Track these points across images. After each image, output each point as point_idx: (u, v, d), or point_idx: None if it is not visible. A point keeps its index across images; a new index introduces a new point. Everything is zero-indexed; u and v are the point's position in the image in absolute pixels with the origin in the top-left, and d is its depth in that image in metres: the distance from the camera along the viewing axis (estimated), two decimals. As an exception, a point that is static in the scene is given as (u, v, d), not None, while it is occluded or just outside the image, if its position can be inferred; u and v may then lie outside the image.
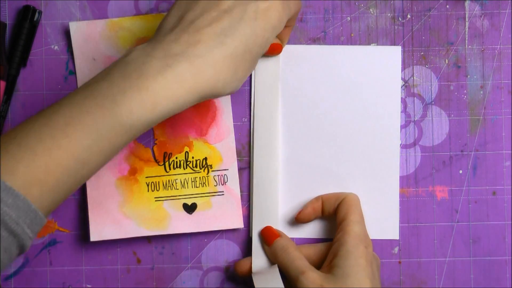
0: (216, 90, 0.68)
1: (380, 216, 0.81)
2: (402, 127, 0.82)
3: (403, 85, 0.82)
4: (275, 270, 0.77)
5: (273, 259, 0.79)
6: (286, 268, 0.76)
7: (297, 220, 0.80)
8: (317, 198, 0.80)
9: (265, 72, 0.81)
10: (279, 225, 0.81)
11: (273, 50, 0.80)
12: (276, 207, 0.81)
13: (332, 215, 0.80)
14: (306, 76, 0.81)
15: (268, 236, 0.80)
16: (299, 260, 0.76)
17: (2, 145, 0.64)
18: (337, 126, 0.81)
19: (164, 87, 0.65)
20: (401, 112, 0.82)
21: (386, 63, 0.81)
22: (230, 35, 0.68)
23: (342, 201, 0.79)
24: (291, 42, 0.82)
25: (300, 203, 0.81)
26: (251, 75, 0.82)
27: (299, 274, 0.75)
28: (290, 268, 0.76)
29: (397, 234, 0.81)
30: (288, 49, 0.81)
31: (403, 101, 0.82)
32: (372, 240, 0.82)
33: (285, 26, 0.75)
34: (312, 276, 0.74)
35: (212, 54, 0.67)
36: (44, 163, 0.63)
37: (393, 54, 0.81)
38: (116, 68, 0.66)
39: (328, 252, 0.78)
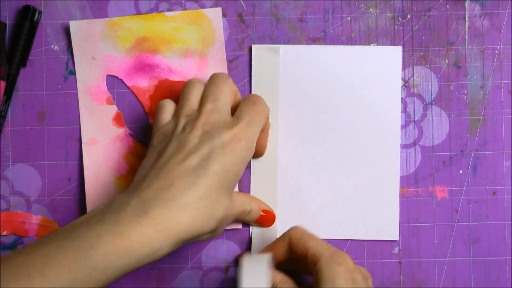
0: (194, 231, 0.68)
1: (380, 217, 0.81)
2: (402, 127, 0.82)
3: (403, 85, 0.82)
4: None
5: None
6: None
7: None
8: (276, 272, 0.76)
9: (265, 73, 0.81)
10: (278, 225, 0.81)
11: (263, 222, 0.80)
12: (275, 207, 0.81)
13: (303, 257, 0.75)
14: (306, 76, 0.81)
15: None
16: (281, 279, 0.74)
17: None
18: (337, 126, 0.81)
19: (139, 232, 0.66)
20: (401, 112, 0.82)
21: (386, 63, 0.81)
22: (201, 175, 0.69)
23: (290, 240, 0.75)
24: (291, 42, 0.82)
25: (299, 203, 0.81)
26: (250, 76, 0.81)
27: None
28: None
29: (397, 234, 0.81)
30: (288, 49, 0.81)
31: (403, 101, 0.82)
32: (372, 240, 0.82)
33: (261, 131, 0.76)
34: None
35: (186, 196, 0.68)
36: None
37: (393, 54, 0.81)
38: (96, 213, 0.68)
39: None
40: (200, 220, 0.68)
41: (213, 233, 0.72)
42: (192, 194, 0.68)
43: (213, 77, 0.75)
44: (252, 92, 0.81)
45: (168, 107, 0.76)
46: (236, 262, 0.81)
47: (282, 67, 0.81)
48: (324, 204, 0.81)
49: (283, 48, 0.81)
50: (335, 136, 0.81)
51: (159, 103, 0.76)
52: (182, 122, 0.73)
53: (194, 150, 0.70)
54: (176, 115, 0.75)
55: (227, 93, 0.74)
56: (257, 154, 0.80)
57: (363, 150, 0.81)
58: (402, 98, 0.82)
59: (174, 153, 0.71)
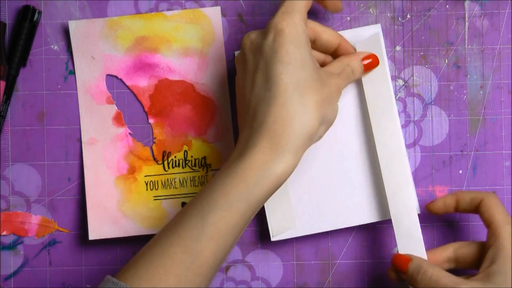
0: (302, 134, 0.70)
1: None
2: (402, 127, 0.82)
3: (403, 85, 0.82)
4: None
5: (413, 283, 0.75)
6: None
7: (427, 208, 0.78)
8: (451, 194, 0.78)
9: None
10: (297, 222, 0.80)
11: (371, 67, 0.80)
12: (290, 207, 0.80)
13: (468, 213, 0.78)
14: None
15: (400, 265, 0.76)
16: (445, 278, 0.73)
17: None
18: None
19: (251, 161, 0.69)
20: (401, 112, 0.82)
21: (368, 44, 0.80)
22: (271, 87, 0.70)
23: (482, 202, 0.76)
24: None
25: (310, 199, 0.80)
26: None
27: None
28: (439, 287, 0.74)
29: (418, 228, 0.79)
30: None
31: (403, 101, 0.82)
32: (372, 241, 0.82)
33: None
34: None
35: (272, 113, 0.70)
36: (162, 261, 0.68)
37: (374, 34, 0.80)
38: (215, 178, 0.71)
39: (481, 251, 0.76)
40: (298, 123, 0.69)
41: (327, 121, 0.73)
42: (274, 109, 0.70)
43: None
44: None
45: None
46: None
47: None
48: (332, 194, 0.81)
49: None
50: (335, 132, 0.81)
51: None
52: None
53: (255, 69, 0.72)
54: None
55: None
56: (335, 7, 0.78)
57: (361, 136, 0.81)
58: (401, 98, 0.82)
59: (246, 83, 0.72)
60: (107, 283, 0.67)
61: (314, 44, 0.76)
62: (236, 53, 0.81)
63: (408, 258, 0.76)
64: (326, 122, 0.73)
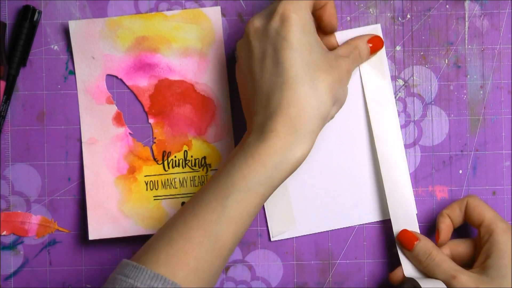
0: (316, 117, 0.71)
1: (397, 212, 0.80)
2: (402, 127, 0.82)
3: (403, 85, 0.82)
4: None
5: (416, 263, 0.77)
6: (433, 272, 0.75)
7: (439, 244, 0.79)
8: (443, 216, 0.78)
9: None
10: (296, 222, 0.81)
11: (375, 49, 0.80)
12: (290, 207, 0.80)
13: (461, 223, 0.79)
14: None
15: (407, 241, 0.78)
16: (446, 263, 0.75)
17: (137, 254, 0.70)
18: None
19: (270, 145, 0.70)
20: (401, 112, 0.82)
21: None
22: (281, 72, 0.71)
23: (468, 204, 0.77)
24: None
25: (310, 199, 0.80)
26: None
27: (450, 278, 0.74)
28: (438, 272, 0.75)
29: (417, 227, 0.80)
30: None
31: (403, 101, 0.82)
32: (372, 241, 0.82)
33: (321, 7, 0.76)
34: (464, 280, 0.73)
35: (284, 98, 0.70)
36: (181, 245, 0.68)
37: (374, 33, 0.81)
38: (229, 158, 0.73)
39: (476, 248, 0.78)
40: (310, 106, 0.70)
41: (339, 102, 0.74)
42: (287, 94, 0.70)
43: None
44: None
45: None
46: (392, 279, 0.79)
47: None
48: (332, 196, 0.81)
49: None
50: (337, 129, 0.81)
51: None
52: None
53: (262, 56, 0.72)
54: None
55: None
56: (328, 28, 0.78)
57: (360, 136, 0.81)
58: (401, 98, 0.82)
59: (256, 71, 0.73)
60: (126, 267, 0.67)
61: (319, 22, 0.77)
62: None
63: (416, 237, 0.77)
64: (338, 102, 0.74)
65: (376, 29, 0.81)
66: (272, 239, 0.80)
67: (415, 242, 0.77)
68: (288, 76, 0.70)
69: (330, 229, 0.81)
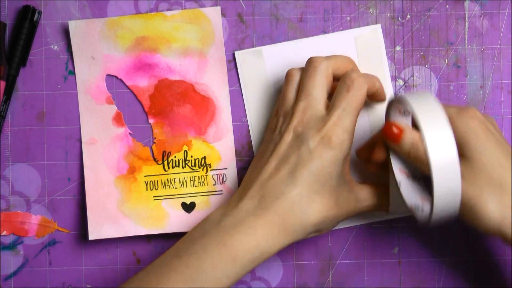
0: (288, 237, 0.71)
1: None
2: (401, 127, 0.82)
3: (403, 85, 0.82)
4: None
5: (399, 151, 0.73)
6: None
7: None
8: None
9: (253, 77, 0.81)
10: None
11: (393, 138, 0.74)
12: None
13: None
14: None
15: (393, 134, 0.72)
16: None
17: None
18: None
19: (239, 241, 0.70)
20: (401, 112, 0.82)
21: (368, 44, 0.81)
22: (289, 183, 0.71)
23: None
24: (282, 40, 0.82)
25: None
26: (240, 82, 0.81)
27: None
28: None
29: None
30: (271, 49, 0.81)
31: (403, 101, 0.82)
32: (372, 241, 0.82)
33: (374, 98, 0.77)
34: None
35: (275, 205, 0.71)
36: None
37: (373, 34, 0.81)
38: (197, 229, 0.72)
39: None
40: (291, 226, 0.71)
41: (319, 232, 0.74)
42: (280, 203, 0.71)
43: (308, 64, 0.76)
44: (244, 97, 0.81)
45: (295, 78, 0.77)
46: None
47: (267, 67, 0.81)
48: None
49: (265, 50, 0.81)
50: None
51: (288, 72, 0.77)
52: (280, 121, 0.75)
53: (284, 159, 0.72)
54: (276, 112, 0.77)
55: (319, 85, 0.74)
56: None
57: (361, 138, 0.81)
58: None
59: (270, 164, 0.73)
60: None
61: None
62: (239, 54, 0.81)
63: (402, 129, 0.72)
64: (318, 232, 0.74)
65: (376, 29, 0.81)
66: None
67: (402, 136, 0.72)
68: (289, 191, 0.71)
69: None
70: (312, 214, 0.71)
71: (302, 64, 0.78)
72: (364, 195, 0.75)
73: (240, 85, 0.82)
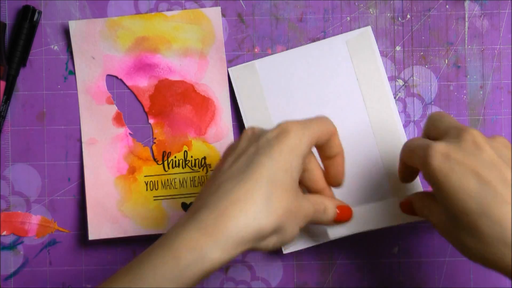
0: (248, 228, 0.65)
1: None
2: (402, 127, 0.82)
3: (403, 85, 0.82)
4: None
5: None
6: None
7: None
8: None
9: (248, 91, 0.81)
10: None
11: (341, 219, 0.75)
12: None
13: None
14: (289, 83, 0.81)
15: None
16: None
17: None
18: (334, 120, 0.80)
19: (185, 237, 0.64)
20: (401, 112, 0.82)
21: (360, 47, 0.81)
22: (247, 171, 0.67)
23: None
24: (291, 42, 0.82)
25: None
26: (236, 98, 0.81)
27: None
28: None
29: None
30: (264, 62, 0.81)
31: (403, 101, 0.82)
32: (372, 241, 0.82)
33: (333, 156, 0.74)
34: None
35: (231, 194, 0.65)
36: None
37: (364, 36, 0.81)
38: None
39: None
40: (252, 213, 0.65)
41: (282, 236, 0.69)
42: (238, 191, 0.66)
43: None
44: (241, 107, 0.81)
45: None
46: None
47: (262, 81, 0.81)
48: None
49: (258, 63, 0.81)
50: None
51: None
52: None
53: (242, 153, 0.69)
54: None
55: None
56: (335, 182, 0.75)
57: (361, 139, 0.81)
58: (401, 98, 0.82)
59: (226, 162, 0.70)
60: None
61: (303, 174, 0.73)
62: (233, 70, 0.81)
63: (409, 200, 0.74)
64: (280, 234, 0.68)
65: (367, 31, 0.81)
66: (284, 252, 0.80)
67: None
68: (249, 177, 0.66)
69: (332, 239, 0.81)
70: (274, 204, 0.67)
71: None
72: (315, 199, 0.73)
73: (237, 100, 0.81)
